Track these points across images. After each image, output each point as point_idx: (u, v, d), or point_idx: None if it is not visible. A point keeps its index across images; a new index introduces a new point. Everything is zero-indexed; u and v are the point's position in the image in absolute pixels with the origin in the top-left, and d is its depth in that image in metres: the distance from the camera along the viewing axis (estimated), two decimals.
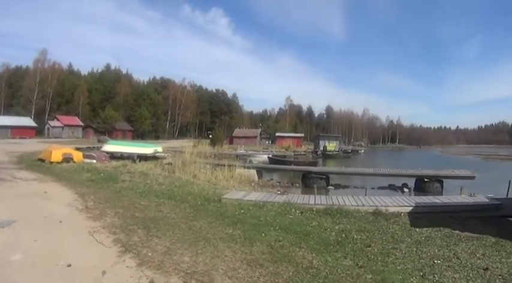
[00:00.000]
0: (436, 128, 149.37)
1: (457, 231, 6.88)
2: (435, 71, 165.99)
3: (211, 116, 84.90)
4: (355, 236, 6.28)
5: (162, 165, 15.58)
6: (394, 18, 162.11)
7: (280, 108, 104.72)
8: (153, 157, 18.35)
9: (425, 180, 16.83)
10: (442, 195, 14.68)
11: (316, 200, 8.93)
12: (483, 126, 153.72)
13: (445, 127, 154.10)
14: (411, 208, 8.75)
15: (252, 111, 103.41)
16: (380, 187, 17.26)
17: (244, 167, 17.55)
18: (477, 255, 5.44)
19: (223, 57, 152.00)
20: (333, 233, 6.22)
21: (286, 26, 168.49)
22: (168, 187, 10.08)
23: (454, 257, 5.37)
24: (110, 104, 65.28)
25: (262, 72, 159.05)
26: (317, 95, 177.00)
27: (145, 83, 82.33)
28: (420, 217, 8.13)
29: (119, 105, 66.92)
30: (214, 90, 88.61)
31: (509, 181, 12.76)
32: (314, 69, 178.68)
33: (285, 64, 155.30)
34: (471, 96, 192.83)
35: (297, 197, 9.37)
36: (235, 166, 16.43)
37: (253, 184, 14.69)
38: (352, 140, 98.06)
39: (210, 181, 13.03)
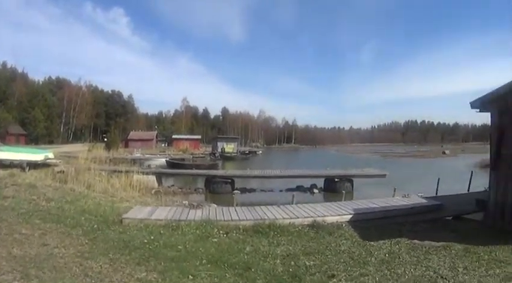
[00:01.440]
0: (330, 128, 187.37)
1: (416, 241, 7.46)
2: (331, 74, 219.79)
3: (107, 118, 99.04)
4: (306, 263, 6.04)
5: (53, 174, 16.56)
6: (294, 22, 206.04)
7: (176, 110, 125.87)
8: (43, 165, 19.75)
9: (336, 180, 20.04)
10: (353, 194, 18.01)
11: (240, 214, 9.23)
12: (376, 126, 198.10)
13: (339, 127, 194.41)
14: (351, 216, 9.46)
15: (147, 113, 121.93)
16: (288, 189, 19.87)
17: (143, 173, 19.30)
18: (460, 270, 5.80)
19: (121, 58, 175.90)
20: (278, 261, 6.07)
21: (186, 27, 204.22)
22: (58, 204, 10.20)
23: (438, 277, 5.56)
24: (3, 105, 74.16)
25: (159, 73, 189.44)
26: (214, 96, 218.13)
27: (41, 83, 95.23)
28: (365, 226, 8.77)
29: (13, 107, 76.39)
30: (110, 91, 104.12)
31: (438, 179, 15.68)
32: (212, 71, 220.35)
33: (183, 65, 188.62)
34: (365, 97, 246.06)
35: (215, 211, 9.64)
36: (133, 172, 17.83)
37: (153, 191, 16.53)
38: (248, 141, 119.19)
39: (106, 192, 13.87)
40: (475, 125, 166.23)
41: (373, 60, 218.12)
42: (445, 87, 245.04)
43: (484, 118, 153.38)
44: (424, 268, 5.87)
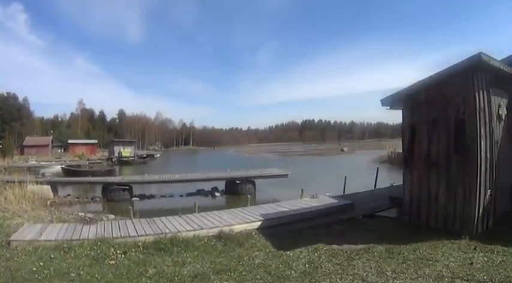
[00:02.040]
0: (228, 129, 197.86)
1: (334, 246, 7.66)
2: (229, 74, 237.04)
3: (2, 123, 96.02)
4: None
5: None
6: (193, 23, 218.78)
7: (72, 113, 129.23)
8: None
9: (237, 181, 21.19)
10: (255, 196, 19.29)
11: (138, 228, 8.98)
12: (274, 126, 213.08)
13: (236, 128, 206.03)
14: (260, 222, 9.46)
15: (43, 117, 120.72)
16: (189, 194, 21.01)
17: (37, 182, 19.06)
18: (388, 274, 5.99)
19: (17, 57, 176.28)
20: None
21: (85, 26, 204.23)
22: None
23: None
24: None
25: (55, 74, 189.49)
26: (111, 98, 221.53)
27: None
28: (277, 233, 8.81)
29: None
30: (5, 94, 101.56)
31: (345, 177, 16.77)
32: (109, 72, 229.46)
33: (80, 66, 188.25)
34: (263, 98, 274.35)
35: (111, 226, 9.38)
36: (27, 182, 17.75)
37: (49, 202, 16.66)
38: (146, 144, 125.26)
39: None
40: (370, 123, 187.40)
41: (271, 60, 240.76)
42: (342, 87, 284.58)
43: (379, 116, 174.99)
44: (350, 277, 5.91)
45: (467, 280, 5.62)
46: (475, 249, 7.14)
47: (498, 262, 6.39)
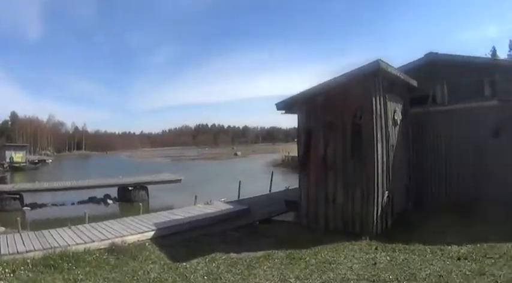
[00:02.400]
0: (121, 133, 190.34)
1: (233, 254, 7.51)
2: (124, 76, 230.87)
3: None
4: None
5: None
6: (91, 21, 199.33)
7: None
8: None
9: (129, 188, 20.73)
10: (149, 203, 19.07)
11: (27, 243, 8.37)
12: (167, 130, 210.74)
13: (129, 132, 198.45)
14: (153, 232, 9.12)
15: None
16: (81, 202, 20.22)
17: None
18: (291, 281, 5.97)
19: None
20: None
21: None
22: None
23: None
24: None
25: None
26: (3, 100, 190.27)
27: None
28: (172, 243, 8.52)
29: None
30: None
31: (239, 182, 16.65)
32: (3, 72, 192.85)
33: None
34: (156, 101, 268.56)
35: None
36: None
37: None
38: (38, 149, 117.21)
39: None
40: (264, 127, 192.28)
41: (167, 62, 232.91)
42: (237, 92, 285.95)
43: (272, 120, 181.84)
44: None
45: (373, 281, 5.78)
46: (376, 249, 7.46)
47: (401, 260, 6.74)
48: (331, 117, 9.28)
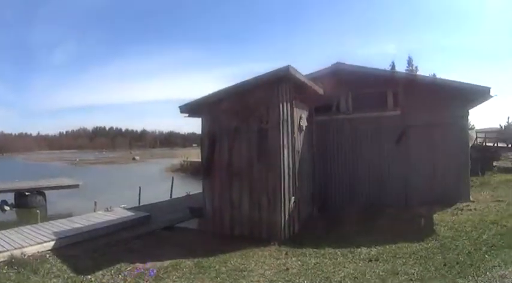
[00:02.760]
0: (17, 133, 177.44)
1: (138, 264, 7.17)
2: (21, 74, 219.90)
3: None
4: None
5: None
6: None
7: None
8: None
9: (26, 193, 20.26)
10: (46, 209, 19.15)
11: None
12: (64, 132, 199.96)
13: (26, 133, 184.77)
14: (54, 242, 8.72)
15: None
16: None
17: None
18: None
19: None
20: None
21: None
22: None
23: None
24: None
25: None
26: None
27: None
28: (75, 254, 8.16)
29: None
30: None
31: (140, 187, 16.89)
32: None
33: None
34: (54, 102, 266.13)
35: None
36: None
37: None
38: None
39: None
40: (162, 132, 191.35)
41: (66, 62, 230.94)
42: (136, 94, 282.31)
43: (171, 125, 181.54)
44: None
45: None
46: (286, 254, 7.72)
47: (313, 264, 7.01)
48: (237, 122, 9.48)
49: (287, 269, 6.72)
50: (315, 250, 7.84)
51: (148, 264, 7.09)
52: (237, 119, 9.46)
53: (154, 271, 6.30)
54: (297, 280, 6.09)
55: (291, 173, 9.38)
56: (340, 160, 13.10)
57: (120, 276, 6.59)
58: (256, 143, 9.16)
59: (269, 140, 8.97)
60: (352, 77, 12.84)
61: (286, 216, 9.09)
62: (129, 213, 11.69)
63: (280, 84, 9.06)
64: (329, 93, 12.09)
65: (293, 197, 9.46)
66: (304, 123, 10.62)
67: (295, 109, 9.73)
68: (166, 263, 7.22)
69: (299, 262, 7.08)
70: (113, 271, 6.82)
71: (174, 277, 6.49)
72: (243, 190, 9.31)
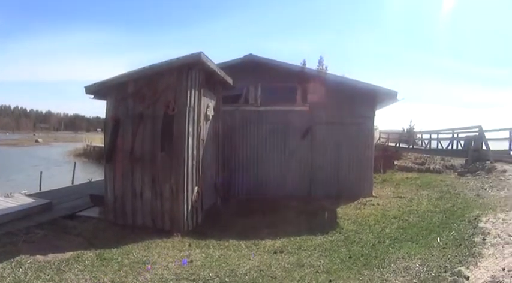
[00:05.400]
0: None
1: (39, 257, 6.72)
2: None
3: None
4: None
5: None
6: None
7: None
8: None
9: None
10: None
11: None
12: None
13: None
14: None
15: None
16: None
17: None
18: None
19: None
20: None
21: None
22: None
23: None
24: None
25: None
26: None
27: None
28: None
29: None
30: None
31: (41, 172, 15.94)
32: None
33: None
34: None
35: None
36: None
37: None
38: None
39: None
40: (67, 114, 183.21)
41: None
42: (43, 74, 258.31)
43: (76, 108, 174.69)
44: None
45: (194, 280, 5.89)
46: (190, 246, 7.67)
47: (217, 256, 7.05)
48: (142, 107, 9.16)
49: (191, 261, 6.69)
50: (219, 242, 7.89)
51: (50, 256, 6.68)
52: (143, 103, 9.13)
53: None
54: (201, 273, 6.10)
55: (195, 162, 9.31)
56: (246, 151, 13.41)
57: (21, 269, 6.10)
58: (160, 130, 8.94)
59: (174, 127, 8.83)
60: (263, 70, 13.13)
61: (190, 207, 9.02)
62: (30, 200, 10.84)
63: (190, 71, 8.96)
64: (240, 84, 12.34)
65: (196, 187, 9.40)
66: (211, 112, 10.61)
67: (203, 97, 9.69)
68: (68, 255, 6.81)
69: (203, 255, 7.08)
70: (13, 264, 6.26)
71: (76, 270, 6.14)
72: (145, 178, 9.05)
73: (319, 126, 13.31)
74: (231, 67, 12.37)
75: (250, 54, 13.33)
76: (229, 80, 11.34)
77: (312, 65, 44.38)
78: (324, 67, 44.07)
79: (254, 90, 13.48)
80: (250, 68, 13.16)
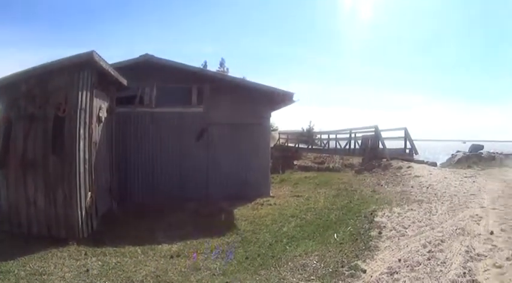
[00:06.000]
0: None
1: None
2: None
3: None
4: None
5: None
6: None
7: None
8: None
9: None
10: None
11: None
12: None
13: None
14: None
15: None
16: None
17: None
18: None
19: None
20: None
21: None
22: None
23: None
24: None
25: None
26: None
27: None
28: None
29: None
30: None
31: None
32: None
33: None
34: None
35: None
36: None
37: None
38: None
39: None
40: None
41: None
42: None
43: None
44: None
45: None
46: (86, 254, 7.37)
47: (114, 264, 6.85)
48: (33, 108, 8.65)
49: (87, 270, 6.44)
50: (115, 248, 7.68)
51: None
52: (33, 104, 8.63)
53: None
54: (98, 282, 5.97)
55: (87, 166, 8.94)
56: (141, 154, 13.21)
57: None
58: (52, 132, 8.49)
59: (65, 130, 8.44)
60: (160, 70, 13.10)
61: (84, 213, 8.64)
62: None
63: (81, 70, 8.63)
64: (135, 85, 12.20)
65: (89, 192, 9.03)
66: (103, 114, 10.27)
67: (95, 98, 9.36)
68: None
69: (99, 263, 6.85)
70: None
71: None
72: (38, 184, 8.48)
73: (216, 127, 13.47)
74: (127, 67, 12.10)
75: (146, 54, 13.15)
76: (124, 81, 11.09)
77: (214, 67, 44.86)
78: (225, 69, 44.80)
79: (149, 91, 13.32)
80: (147, 69, 13.00)
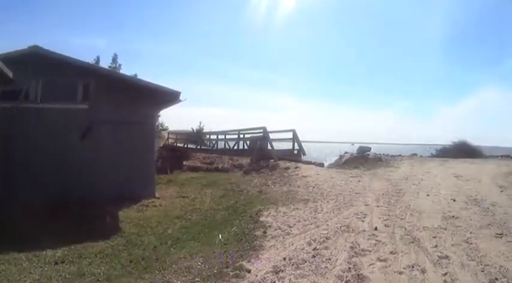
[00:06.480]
0: None
1: None
2: None
3: None
4: None
5: None
6: None
7: None
8: None
9: None
10: None
11: None
12: None
13: None
14: None
15: None
16: None
17: None
18: None
19: None
20: None
21: None
22: None
23: None
24: None
25: None
26: None
27: None
28: None
29: None
30: None
31: None
32: None
33: None
34: None
35: None
36: None
37: None
38: None
39: None
40: None
41: None
42: None
43: None
44: None
45: None
46: None
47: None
48: None
49: None
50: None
51: None
52: None
53: None
54: None
55: None
56: (24, 153, 12.34)
57: None
58: None
59: None
60: (48, 64, 12.36)
61: None
62: None
63: None
64: (23, 79, 11.38)
65: None
66: None
67: None
68: None
69: None
70: None
71: None
72: None
73: (101, 125, 12.94)
74: (14, 59, 11.17)
75: (35, 46, 12.30)
76: (9, 73, 10.20)
77: (106, 62, 42.72)
78: (117, 65, 42.94)
79: (35, 86, 12.45)
80: (35, 61, 12.12)
